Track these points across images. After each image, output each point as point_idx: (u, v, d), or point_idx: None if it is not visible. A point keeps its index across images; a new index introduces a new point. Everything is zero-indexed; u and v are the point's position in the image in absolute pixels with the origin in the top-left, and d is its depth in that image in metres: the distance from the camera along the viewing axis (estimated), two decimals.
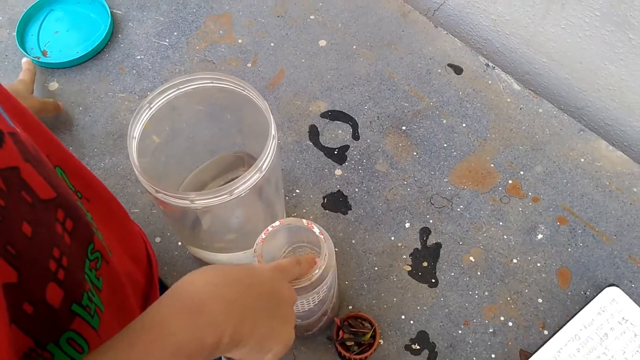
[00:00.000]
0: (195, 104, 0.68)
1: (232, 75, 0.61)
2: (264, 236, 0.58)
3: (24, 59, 0.91)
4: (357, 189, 0.82)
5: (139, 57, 0.95)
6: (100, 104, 0.90)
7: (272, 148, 0.58)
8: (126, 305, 0.55)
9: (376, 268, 0.76)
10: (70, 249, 0.43)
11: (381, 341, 0.71)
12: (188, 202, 0.55)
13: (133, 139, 0.58)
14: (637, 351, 0.66)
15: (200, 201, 0.55)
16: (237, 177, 0.56)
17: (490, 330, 0.71)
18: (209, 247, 0.71)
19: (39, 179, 0.40)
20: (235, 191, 0.56)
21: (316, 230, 0.58)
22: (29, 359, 0.38)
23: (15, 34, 0.95)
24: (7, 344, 0.33)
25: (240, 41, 0.97)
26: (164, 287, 0.77)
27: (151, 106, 0.61)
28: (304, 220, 0.59)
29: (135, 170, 0.56)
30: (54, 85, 0.92)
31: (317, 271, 0.56)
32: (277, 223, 0.59)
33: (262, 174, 0.57)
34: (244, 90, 0.62)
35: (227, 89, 0.63)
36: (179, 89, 0.62)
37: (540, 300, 0.73)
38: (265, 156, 0.57)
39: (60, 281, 0.40)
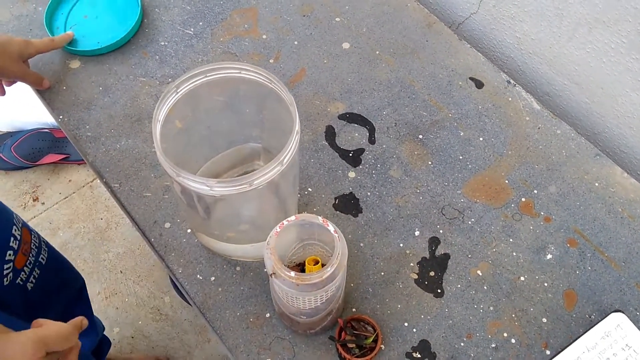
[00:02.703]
0: (217, 94, 0.68)
1: (260, 67, 0.61)
2: (278, 229, 0.58)
3: (69, 31, 0.93)
4: (369, 193, 0.82)
5: (162, 44, 0.95)
6: (120, 85, 0.90)
7: (295, 143, 0.58)
8: None
9: (383, 273, 0.76)
10: None
11: (382, 346, 0.71)
12: (207, 188, 0.55)
13: (158, 122, 0.59)
14: None
15: (219, 189, 0.55)
16: (252, 170, 0.56)
17: (493, 346, 0.71)
18: (219, 237, 0.71)
19: None
20: (255, 182, 0.56)
21: (331, 228, 0.58)
22: None
23: (46, 8, 0.95)
24: None
25: (264, 37, 0.97)
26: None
27: (178, 91, 0.61)
28: (320, 217, 0.59)
29: (157, 151, 0.56)
30: (75, 63, 0.93)
31: (329, 269, 0.56)
32: (292, 217, 0.59)
33: (282, 168, 0.57)
34: (270, 84, 0.62)
35: (252, 81, 0.63)
36: (206, 76, 0.62)
37: (544, 320, 0.73)
38: (288, 150, 0.57)
39: None
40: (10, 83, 0.89)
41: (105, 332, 1.27)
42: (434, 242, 0.78)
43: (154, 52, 0.94)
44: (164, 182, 0.82)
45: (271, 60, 0.94)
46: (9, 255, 0.85)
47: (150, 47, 0.95)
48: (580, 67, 0.90)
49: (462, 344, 0.71)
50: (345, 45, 0.96)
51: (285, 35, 0.97)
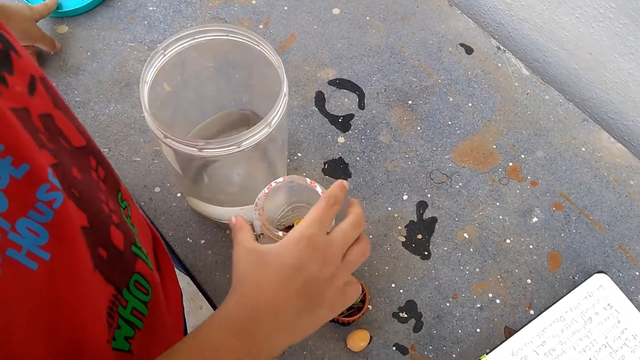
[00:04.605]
0: (206, 58, 0.68)
1: (248, 30, 0.61)
2: (266, 191, 0.59)
3: None
4: (358, 158, 0.83)
5: (151, 8, 0.94)
6: (109, 51, 0.90)
7: (283, 105, 0.58)
8: (149, 247, 0.57)
9: (371, 236, 0.77)
10: (108, 196, 0.43)
11: (370, 306, 0.72)
12: (196, 149, 0.55)
13: (145, 84, 0.58)
14: (619, 337, 0.68)
15: (208, 150, 0.56)
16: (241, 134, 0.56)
17: (478, 306, 0.73)
18: (209, 200, 0.71)
19: (69, 126, 0.40)
20: (243, 143, 0.56)
21: (319, 189, 0.59)
22: (112, 312, 0.39)
23: None
24: (92, 291, 0.34)
25: (254, 2, 0.96)
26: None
27: (165, 53, 0.61)
28: (307, 179, 0.59)
29: (145, 113, 0.56)
30: (63, 29, 0.92)
31: None
32: (280, 179, 0.59)
33: (270, 129, 0.57)
34: (258, 46, 0.62)
35: (241, 44, 0.63)
36: (194, 38, 0.62)
37: (529, 281, 0.74)
38: (276, 112, 0.57)
39: (117, 224, 0.41)
40: None
41: None
42: (422, 205, 0.79)
43: (143, 17, 0.93)
44: (153, 146, 0.82)
45: (261, 26, 0.94)
46: None
47: (138, 12, 0.94)
48: (570, 33, 0.90)
49: (447, 304, 0.73)
50: (336, 11, 0.96)
51: (275, 1, 0.96)
